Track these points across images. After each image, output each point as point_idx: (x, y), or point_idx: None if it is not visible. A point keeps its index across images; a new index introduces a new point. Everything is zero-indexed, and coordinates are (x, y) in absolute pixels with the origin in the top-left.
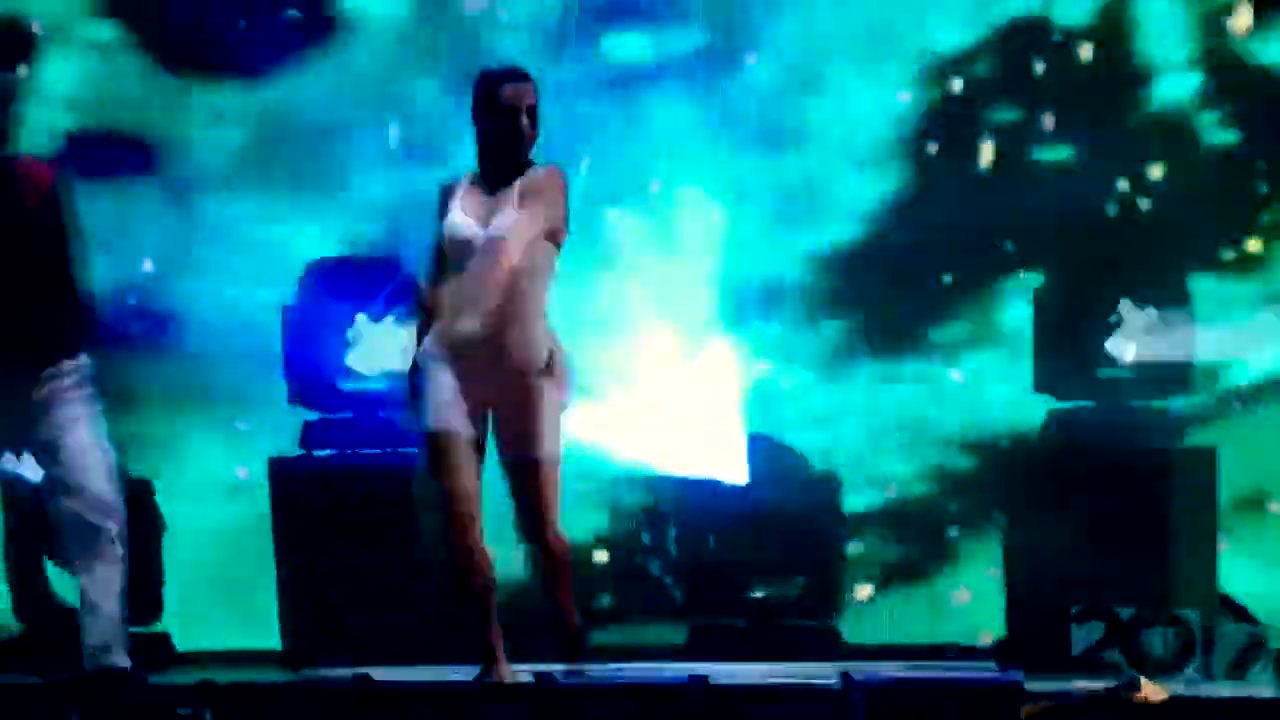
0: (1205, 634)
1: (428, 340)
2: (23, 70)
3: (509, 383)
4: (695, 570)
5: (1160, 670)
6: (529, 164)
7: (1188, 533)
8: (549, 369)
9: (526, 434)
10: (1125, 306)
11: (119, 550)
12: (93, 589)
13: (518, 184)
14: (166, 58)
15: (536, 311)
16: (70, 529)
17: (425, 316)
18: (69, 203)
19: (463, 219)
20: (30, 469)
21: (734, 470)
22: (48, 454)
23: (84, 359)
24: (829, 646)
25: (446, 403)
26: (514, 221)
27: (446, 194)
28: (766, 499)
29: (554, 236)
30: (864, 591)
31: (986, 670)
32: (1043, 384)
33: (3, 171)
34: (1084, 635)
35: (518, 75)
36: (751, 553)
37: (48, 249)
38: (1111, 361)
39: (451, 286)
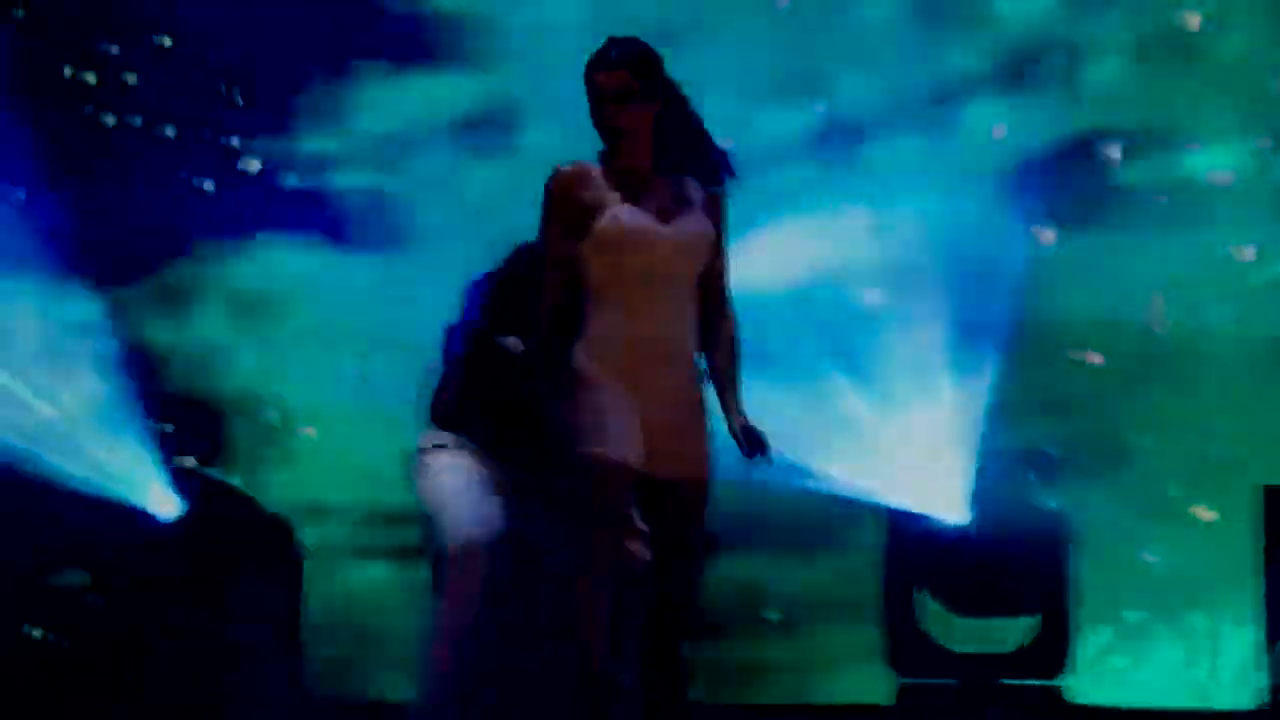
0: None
1: (586, 350)
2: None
3: (674, 397)
4: (904, 620)
5: None
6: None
7: None
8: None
9: (692, 451)
10: None
11: None
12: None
13: (691, 191)
14: None
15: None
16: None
17: (553, 322)
18: None
19: (638, 215)
20: None
21: (951, 508)
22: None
23: None
24: (1056, 708)
25: (618, 426)
26: (706, 227)
27: (581, 184)
28: (987, 540)
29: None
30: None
31: None
32: None
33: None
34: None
35: (627, 49)
36: (967, 600)
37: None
38: None
39: (617, 286)
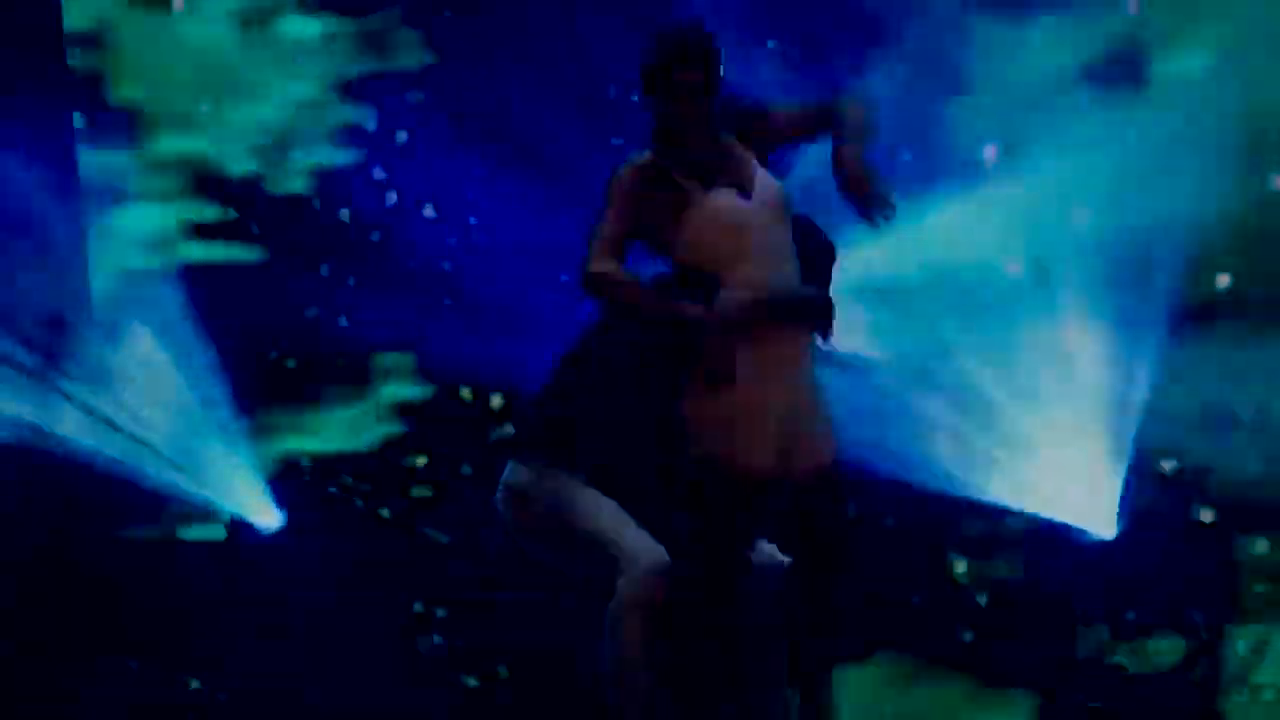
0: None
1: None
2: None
3: (795, 381)
4: (1042, 633)
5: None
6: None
7: None
8: None
9: (817, 435)
10: None
11: None
12: None
13: (738, 149)
14: None
15: None
16: None
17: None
18: None
19: (726, 197)
20: None
21: (1100, 521)
22: None
23: None
24: None
25: (751, 426)
26: (774, 181)
27: (655, 183)
28: (1135, 548)
29: None
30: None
31: None
32: None
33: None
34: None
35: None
36: (1110, 613)
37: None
38: None
39: (721, 270)
